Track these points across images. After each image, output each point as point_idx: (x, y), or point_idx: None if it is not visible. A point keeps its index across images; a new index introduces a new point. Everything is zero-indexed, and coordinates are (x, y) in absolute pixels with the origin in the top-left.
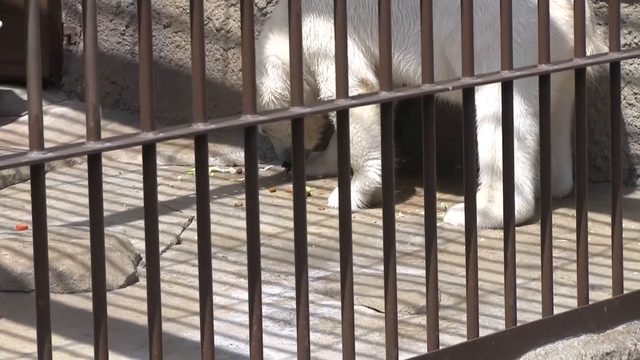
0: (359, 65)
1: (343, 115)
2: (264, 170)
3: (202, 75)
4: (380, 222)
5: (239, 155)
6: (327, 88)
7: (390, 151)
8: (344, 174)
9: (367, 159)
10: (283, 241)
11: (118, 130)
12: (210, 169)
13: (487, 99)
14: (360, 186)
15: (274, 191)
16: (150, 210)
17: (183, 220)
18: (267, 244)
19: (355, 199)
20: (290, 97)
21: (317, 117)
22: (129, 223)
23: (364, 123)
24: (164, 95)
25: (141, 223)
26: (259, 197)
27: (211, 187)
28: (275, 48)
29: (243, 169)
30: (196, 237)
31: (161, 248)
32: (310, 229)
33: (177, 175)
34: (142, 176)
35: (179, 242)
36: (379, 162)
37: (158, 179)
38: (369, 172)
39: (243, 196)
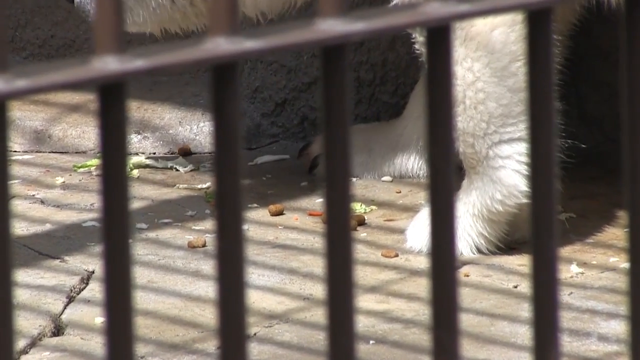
0: None
1: (440, 37)
2: (256, 165)
3: None
4: (523, 287)
5: (194, 130)
6: None
7: (548, 125)
8: (442, 177)
9: (498, 142)
10: (301, 330)
11: None
12: (133, 160)
13: None
14: (483, 203)
15: (280, 213)
16: None
17: (70, 280)
18: (265, 336)
19: (471, 232)
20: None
21: None
22: None
23: (494, 58)
24: None
25: None
26: (247, 227)
27: (137, 204)
28: None
29: (205, 162)
30: (98, 321)
31: (21, 344)
32: (364, 301)
33: (57, 177)
34: None
35: (58, 331)
36: (524, 147)
37: (14, 182)
38: (503, 171)
39: (207, 225)
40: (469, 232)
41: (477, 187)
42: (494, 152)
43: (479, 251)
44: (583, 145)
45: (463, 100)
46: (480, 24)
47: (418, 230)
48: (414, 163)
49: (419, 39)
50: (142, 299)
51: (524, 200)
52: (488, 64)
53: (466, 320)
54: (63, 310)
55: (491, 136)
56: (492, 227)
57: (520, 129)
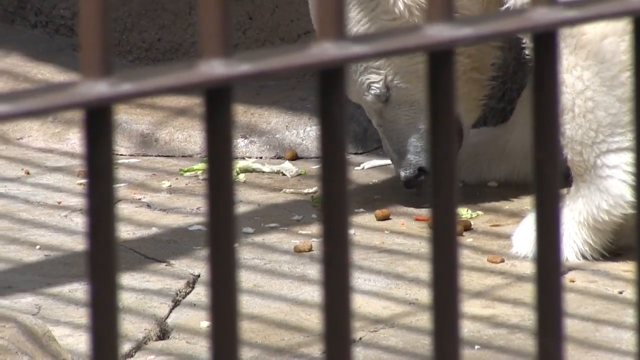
0: None
1: (546, 43)
2: (363, 169)
3: None
4: (628, 293)
5: (301, 134)
6: None
7: None
8: (548, 183)
9: (606, 151)
10: (406, 335)
11: (23, 75)
12: (239, 165)
13: None
14: (589, 212)
15: (386, 218)
16: (101, 262)
17: (176, 284)
18: (370, 340)
19: (577, 239)
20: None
21: (482, 52)
22: (47, 289)
23: (604, 67)
24: None
25: (76, 290)
26: (354, 231)
27: (243, 208)
28: None
29: (312, 167)
30: (204, 325)
31: (127, 347)
32: (470, 306)
33: (163, 181)
34: (78, 181)
35: (163, 334)
36: (629, 157)
37: (119, 186)
38: (610, 180)
39: (313, 229)
40: (574, 239)
41: (583, 195)
42: (601, 161)
43: (584, 257)
44: None
45: (572, 108)
46: (591, 33)
47: (524, 236)
48: (520, 169)
49: (529, 44)
50: (247, 303)
51: (630, 211)
52: (598, 72)
53: (571, 326)
54: (169, 314)
55: (599, 145)
56: (598, 235)
57: (629, 138)
